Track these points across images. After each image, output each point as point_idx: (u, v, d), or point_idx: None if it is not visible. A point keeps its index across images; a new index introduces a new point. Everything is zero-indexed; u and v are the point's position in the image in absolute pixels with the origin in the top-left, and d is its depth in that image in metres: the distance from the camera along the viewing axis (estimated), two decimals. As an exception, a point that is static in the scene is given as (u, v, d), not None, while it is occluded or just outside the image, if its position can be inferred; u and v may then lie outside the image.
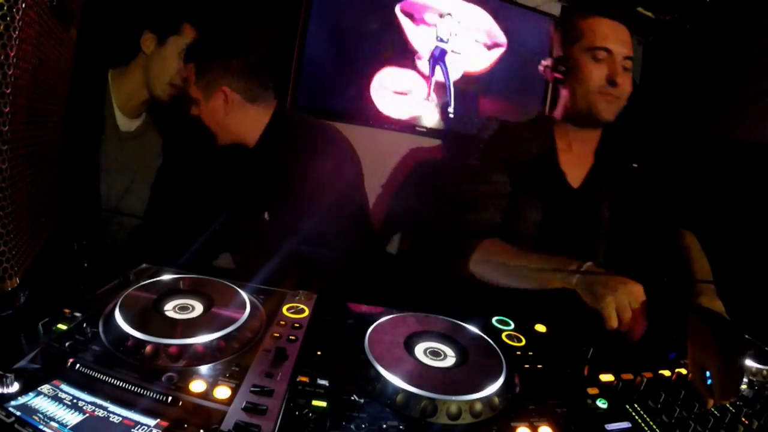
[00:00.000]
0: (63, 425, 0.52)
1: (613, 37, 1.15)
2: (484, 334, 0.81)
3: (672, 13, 1.94)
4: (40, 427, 0.51)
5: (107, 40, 1.20)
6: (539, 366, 0.77)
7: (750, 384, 0.77)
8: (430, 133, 2.25)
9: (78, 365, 0.60)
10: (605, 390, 0.73)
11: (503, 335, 0.85)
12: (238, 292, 0.82)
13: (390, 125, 2.19)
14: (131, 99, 1.45)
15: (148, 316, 0.71)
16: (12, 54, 0.58)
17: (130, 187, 1.51)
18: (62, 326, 0.67)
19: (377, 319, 0.80)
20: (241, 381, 0.62)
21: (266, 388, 0.60)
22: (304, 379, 0.64)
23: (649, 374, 0.77)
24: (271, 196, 1.38)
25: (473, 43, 2.13)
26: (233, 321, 0.72)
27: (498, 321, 0.90)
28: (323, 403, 0.60)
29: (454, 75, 2.13)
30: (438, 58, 2.08)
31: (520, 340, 0.84)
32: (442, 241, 1.28)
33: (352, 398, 0.62)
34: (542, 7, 2.26)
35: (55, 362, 0.61)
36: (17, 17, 0.58)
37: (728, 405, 0.71)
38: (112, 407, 0.55)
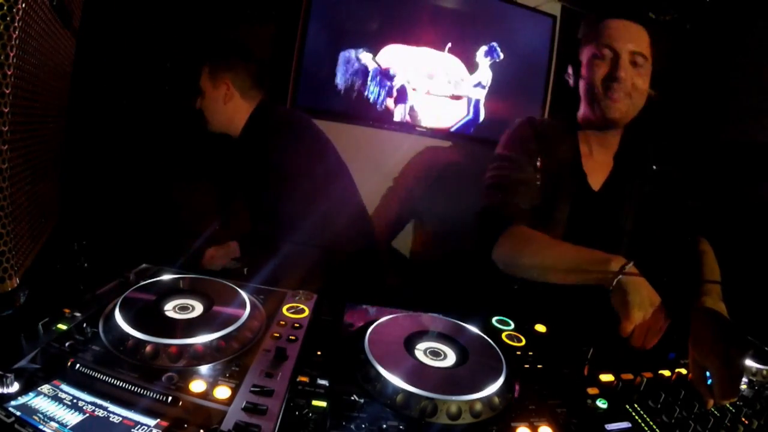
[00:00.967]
0: (63, 425, 0.52)
1: (618, 35, 1.13)
2: (484, 334, 0.81)
3: (672, 13, 1.93)
4: (40, 427, 0.51)
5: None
6: (539, 366, 0.77)
7: (750, 384, 0.77)
8: (430, 133, 2.25)
9: (78, 365, 0.60)
10: (605, 390, 0.73)
11: (503, 335, 0.85)
12: (238, 292, 0.82)
13: (390, 125, 2.19)
14: None
15: (148, 316, 0.71)
16: (12, 54, 0.58)
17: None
18: (62, 326, 0.67)
19: (377, 319, 0.80)
20: (241, 381, 0.62)
21: (266, 388, 0.60)
22: (304, 379, 0.64)
23: (649, 374, 0.77)
24: (252, 183, 1.61)
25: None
26: (233, 321, 0.72)
27: (498, 321, 0.90)
28: (323, 403, 0.60)
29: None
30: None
31: (520, 340, 0.84)
32: (474, 228, 1.25)
33: (352, 398, 0.62)
34: (542, 7, 2.26)
35: (55, 362, 0.61)
36: (17, 17, 0.58)
37: (728, 405, 0.71)
38: (112, 407, 0.55)
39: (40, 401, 0.54)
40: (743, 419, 0.69)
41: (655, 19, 1.94)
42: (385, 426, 0.58)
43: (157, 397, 0.57)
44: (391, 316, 0.82)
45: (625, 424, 0.66)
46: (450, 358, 0.74)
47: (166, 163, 1.79)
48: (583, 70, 1.19)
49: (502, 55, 2.21)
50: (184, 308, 0.76)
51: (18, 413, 0.52)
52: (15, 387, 0.55)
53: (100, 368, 0.60)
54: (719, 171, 1.70)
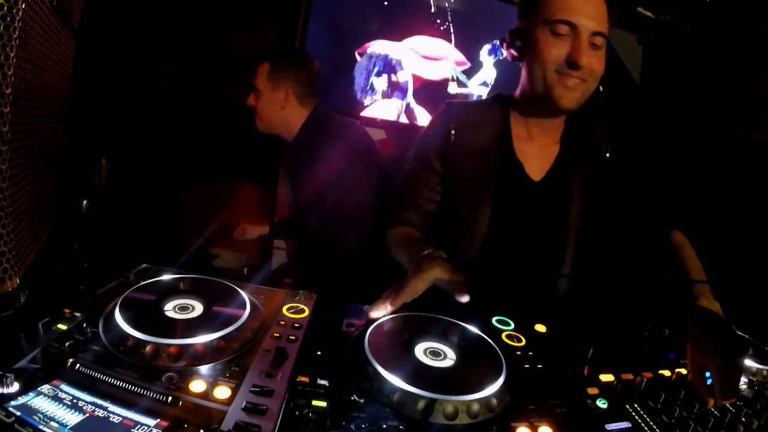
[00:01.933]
0: (63, 425, 0.52)
1: (578, 9, 0.95)
2: (484, 334, 0.81)
3: (672, 13, 1.94)
4: (40, 427, 0.51)
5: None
6: (539, 366, 0.77)
7: (750, 384, 0.77)
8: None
9: (78, 365, 0.60)
10: (605, 390, 0.73)
11: (503, 335, 0.85)
12: (238, 292, 0.82)
13: (390, 122, 2.19)
14: None
15: (148, 316, 0.71)
16: (12, 54, 0.58)
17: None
18: (62, 326, 0.67)
19: (377, 319, 0.80)
20: (241, 381, 0.62)
21: (266, 388, 0.60)
22: (304, 379, 0.64)
23: (649, 374, 0.76)
24: (304, 185, 1.64)
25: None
26: (233, 321, 0.72)
27: (498, 321, 0.90)
28: (323, 403, 0.60)
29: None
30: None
31: (520, 340, 0.84)
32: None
33: (352, 398, 0.62)
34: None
35: (55, 362, 0.61)
36: (17, 17, 0.58)
37: (728, 405, 0.71)
38: (112, 407, 0.55)
39: (40, 401, 0.54)
40: (743, 419, 0.69)
41: (655, 19, 1.95)
42: (385, 426, 0.58)
43: (157, 397, 0.57)
44: (391, 316, 0.82)
45: (625, 424, 0.66)
46: (450, 358, 0.74)
47: (166, 163, 1.79)
48: (531, 47, 1.01)
49: (505, 53, 2.20)
50: (184, 308, 0.76)
51: (18, 413, 0.52)
52: (15, 387, 0.55)
53: (100, 368, 0.60)
54: (719, 171, 1.70)
